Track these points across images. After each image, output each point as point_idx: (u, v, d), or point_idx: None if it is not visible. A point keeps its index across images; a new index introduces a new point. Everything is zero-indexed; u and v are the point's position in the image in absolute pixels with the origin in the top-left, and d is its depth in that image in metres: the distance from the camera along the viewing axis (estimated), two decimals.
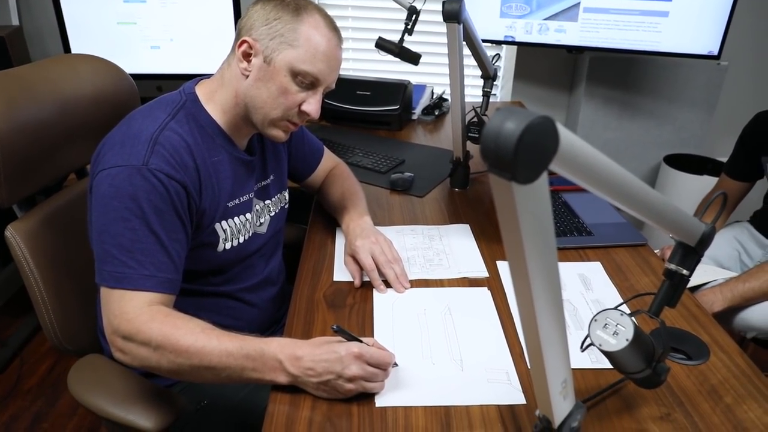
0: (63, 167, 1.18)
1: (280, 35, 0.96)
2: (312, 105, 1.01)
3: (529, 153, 0.43)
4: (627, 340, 0.68)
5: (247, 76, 0.99)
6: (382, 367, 0.85)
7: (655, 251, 1.29)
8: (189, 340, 0.85)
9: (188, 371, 0.86)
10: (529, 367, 0.91)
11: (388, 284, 1.12)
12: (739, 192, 1.75)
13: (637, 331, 0.69)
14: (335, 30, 1.01)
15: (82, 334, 1.13)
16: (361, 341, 0.87)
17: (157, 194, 0.90)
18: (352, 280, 1.13)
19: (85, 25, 2.02)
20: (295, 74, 0.98)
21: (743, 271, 1.65)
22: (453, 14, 1.25)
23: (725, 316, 1.42)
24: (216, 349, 0.84)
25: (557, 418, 0.65)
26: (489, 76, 1.60)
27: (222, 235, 1.04)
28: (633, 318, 0.70)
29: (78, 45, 2.03)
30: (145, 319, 0.86)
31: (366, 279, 1.13)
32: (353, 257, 1.15)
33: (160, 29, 2.04)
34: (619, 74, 2.38)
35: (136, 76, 1.29)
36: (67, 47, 2.04)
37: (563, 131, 0.45)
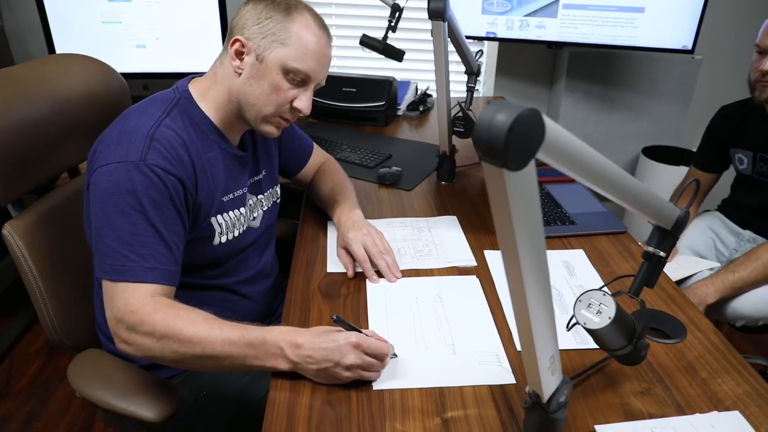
0: (57, 166, 1.19)
1: (272, 34, 0.99)
2: (303, 101, 1.04)
3: (519, 142, 0.47)
4: (609, 318, 0.72)
5: (240, 74, 1.01)
6: (380, 357, 0.89)
7: (639, 243, 1.34)
8: (192, 330, 0.87)
9: (192, 360, 0.89)
10: (517, 349, 0.96)
11: (380, 274, 1.15)
12: (707, 183, 1.82)
13: (619, 309, 0.73)
14: (325, 28, 1.04)
15: (81, 330, 1.14)
16: (360, 331, 0.90)
17: (155, 188, 0.93)
18: (345, 271, 1.17)
19: (69, 24, 2.01)
20: (287, 72, 1.01)
21: (719, 258, 1.72)
22: (438, 12, 1.29)
23: (716, 307, 1.48)
24: (219, 338, 0.87)
25: (546, 393, 0.69)
26: (473, 72, 1.64)
27: (218, 229, 1.07)
28: (615, 298, 0.75)
29: (62, 44, 2.03)
30: (149, 310, 0.89)
31: (359, 270, 1.16)
32: (346, 249, 1.18)
33: (146, 28, 2.04)
34: (597, 69, 2.44)
35: (123, 75, 1.30)
36: (51, 47, 2.03)
37: (549, 122, 0.49)
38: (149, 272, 0.91)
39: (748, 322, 1.50)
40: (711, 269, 1.57)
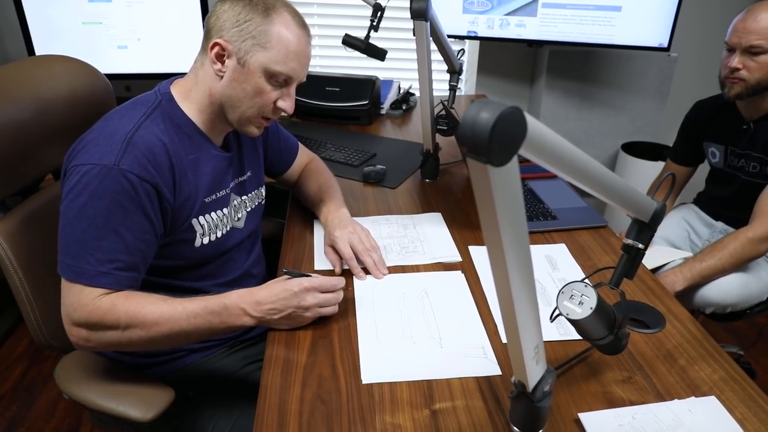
0: (40, 168, 1.19)
1: (252, 37, 0.98)
2: (287, 101, 1.06)
3: (502, 139, 0.48)
4: (591, 308, 0.75)
5: (222, 77, 1.01)
6: (332, 289, 1.01)
7: (618, 234, 1.37)
8: (155, 312, 0.92)
9: (161, 340, 0.94)
10: (502, 341, 0.98)
11: (367, 271, 1.17)
12: (684, 176, 1.87)
13: (600, 300, 0.76)
14: (304, 27, 1.04)
15: None
16: (309, 276, 1.02)
17: (125, 194, 0.92)
18: (332, 268, 1.18)
19: (49, 25, 1.99)
20: (270, 75, 1.01)
21: (693, 249, 1.76)
22: (420, 12, 1.30)
23: (685, 295, 1.52)
24: (183, 314, 0.94)
25: (531, 382, 0.71)
26: (455, 71, 1.66)
27: (199, 230, 1.07)
28: (596, 289, 0.77)
29: (42, 46, 2.01)
30: (107, 306, 0.92)
31: (346, 267, 1.18)
32: (333, 247, 1.20)
33: (127, 29, 2.03)
34: (577, 67, 2.48)
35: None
36: (30, 48, 2.01)
37: (531, 120, 0.51)
38: (104, 277, 0.92)
39: (717, 309, 1.55)
40: (683, 259, 1.61)
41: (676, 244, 1.78)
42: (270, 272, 1.32)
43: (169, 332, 0.94)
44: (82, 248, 0.92)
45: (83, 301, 0.91)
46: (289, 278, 1.00)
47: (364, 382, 0.89)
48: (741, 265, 1.51)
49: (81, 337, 0.93)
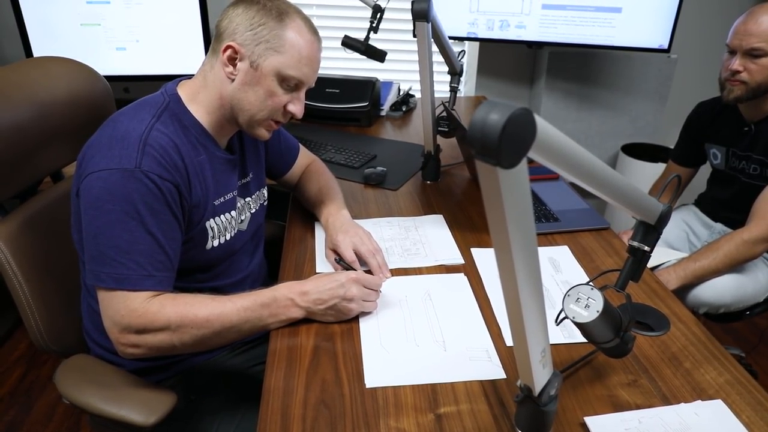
0: (40, 170, 1.18)
1: (266, 41, 0.98)
2: (297, 106, 1.06)
3: (511, 141, 0.48)
4: (597, 311, 0.74)
5: (233, 80, 1.01)
6: (374, 288, 1.04)
7: (618, 233, 1.37)
8: (206, 310, 0.93)
9: (212, 337, 0.95)
10: (506, 344, 0.98)
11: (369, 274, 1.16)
12: (685, 177, 1.87)
13: (606, 303, 0.75)
14: (315, 32, 1.05)
15: (67, 335, 1.13)
16: (354, 270, 1.07)
17: (152, 195, 0.93)
18: (334, 271, 1.17)
19: (47, 26, 1.98)
20: (282, 79, 1.01)
21: (691, 251, 1.76)
22: (422, 13, 1.30)
23: (678, 295, 1.52)
24: (233, 309, 0.95)
25: (537, 386, 0.71)
26: (456, 72, 1.65)
27: (210, 233, 1.07)
28: (602, 292, 0.76)
29: (40, 47, 2.00)
30: (156, 308, 0.92)
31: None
32: (334, 251, 1.19)
33: (125, 30, 2.02)
34: (577, 68, 2.48)
35: None
36: (28, 50, 2.00)
37: (540, 121, 0.51)
38: (147, 280, 0.92)
39: (710, 309, 1.54)
40: (678, 259, 1.60)
41: (675, 245, 1.78)
42: (272, 275, 1.31)
43: (221, 328, 0.94)
44: (120, 254, 0.91)
45: (132, 306, 0.91)
46: (333, 272, 1.07)
47: (367, 387, 0.88)
48: (735, 266, 1.51)
49: (130, 343, 0.93)
